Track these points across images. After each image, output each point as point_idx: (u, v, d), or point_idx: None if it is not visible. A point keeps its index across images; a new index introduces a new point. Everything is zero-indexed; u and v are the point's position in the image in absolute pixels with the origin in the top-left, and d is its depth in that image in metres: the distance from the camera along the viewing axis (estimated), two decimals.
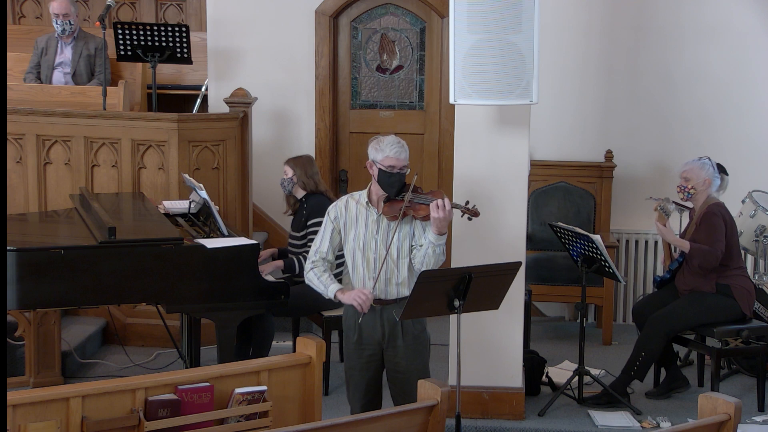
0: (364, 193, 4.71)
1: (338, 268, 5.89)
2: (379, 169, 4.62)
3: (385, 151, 4.60)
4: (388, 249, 4.60)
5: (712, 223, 5.79)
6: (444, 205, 4.47)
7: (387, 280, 4.62)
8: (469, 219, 4.61)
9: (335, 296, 4.67)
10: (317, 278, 4.72)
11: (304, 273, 4.79)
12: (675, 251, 6.12)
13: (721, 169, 6.00)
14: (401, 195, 4.62)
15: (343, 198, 4.77)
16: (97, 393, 3.96)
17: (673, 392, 6.04)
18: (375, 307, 4.63)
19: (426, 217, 4.55)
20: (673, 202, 6.21)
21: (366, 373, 4.72)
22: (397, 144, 4.62)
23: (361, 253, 4.65)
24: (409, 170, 4.66)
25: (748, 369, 6.30)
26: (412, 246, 4.64)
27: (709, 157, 5.96)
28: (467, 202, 4.60)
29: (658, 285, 6.17)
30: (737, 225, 6.44)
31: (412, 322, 4.64)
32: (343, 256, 4.81)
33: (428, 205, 4.54)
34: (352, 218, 4.68)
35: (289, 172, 6.08)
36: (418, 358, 4.69)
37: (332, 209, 4.74)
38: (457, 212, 4.64)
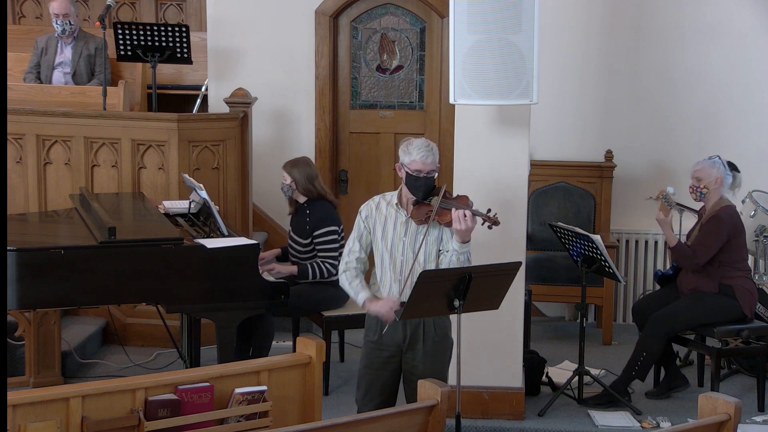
0: (395, 194, 4.69)
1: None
2: (407, 173, 4.59)
3: (412, 155, 4.57)
4: (416, 253, 4.59)
5: (713, 228, 5.76)
6: (465, 217, 4.44)
7: (413, 283, 4.59)
8: (489, 228, 4.55)
9: (364, 305, 4.66)
10: (348, 283, 4.71)
11: (339, 273, 4.76)
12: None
13: (733, 167, 5.98)
14: (429, 199, 4.60)
15: (376, 197, 4.74)
16: (97, 393, 3.96)
17: (673, 392, 6.04)
18: (400, 309, 4.60)
19: (449, 223, 4.53)
20: (678, 203, 6.21)
21: (383, 374, 4.69)
22: (424, 148, 4.59)
23: (388, 254, 4.63)
24: (437, 174, 4.64)
25: (748, 369, 6.30)
26: (439, 251, 4.62)
27: (719, 156, 5.95)
28: (488, 210, 4.53)
29: (659, 280, 6.17)
30: None
31: (434, 327, 4.62)
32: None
33: (451, 211, 4.52)
34: (383, 219, 4.66)
35: (288, 178, 6.04)
36: (436, 363, 4.65)
37: (364, 208, 4.72)
38: (478, 219, 4.60)
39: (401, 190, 4.68)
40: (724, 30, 7.28)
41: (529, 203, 6.83)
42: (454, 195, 4.67)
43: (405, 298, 4.57)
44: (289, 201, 6.17)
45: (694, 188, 5.89)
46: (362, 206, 4.74)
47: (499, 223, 4.53)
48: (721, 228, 5.76)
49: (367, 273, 4.79)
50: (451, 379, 4.76)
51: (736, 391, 6.02)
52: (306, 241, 6.01)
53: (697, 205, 6.09)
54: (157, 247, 5.15)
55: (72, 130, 6.59)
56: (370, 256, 4.77)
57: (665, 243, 7.21)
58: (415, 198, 4.61)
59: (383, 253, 4.65)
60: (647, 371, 5.89)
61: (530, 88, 5.04)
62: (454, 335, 4.64)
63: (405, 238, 4.60)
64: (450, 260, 4.54)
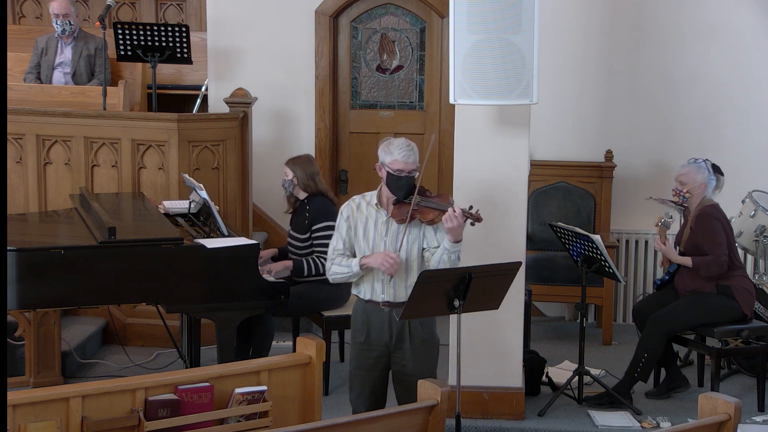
0: (375, 194, 4.71)
1: None
2: (388, 173, 4.60)
3: (394, 155, 4.59)
4: (397, 252, 4.59)
5: (710, 227, 5.77)
6: (456, 214, 4.46)
7: (396, 282, 4.60)
8: (472, 224, 4.58)
9: (361, 266, 4.59)
10: (339, 266, 4.66)
11: (327, 273, 4.75)
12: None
13: (717, 170, 5.99)
14: (409, 198, 4.61)
15: (355, 198, 4.76)
16: (97, 393, 3.96)
17: (673, 392, 6.04)
18: (384, 309, 4.62)
19: (432, 221, 4.55)
20: (671, 201, 6.21)
21: (372, 374, 4.71)
22: (406, 147, 4.60)
23: (370, 254, 4.65)
24: (418, 173, 4.65)
25: (748, 369, 6.29)
26: (423, 249, 4.64)
27: (705, 159, 5.96)
28: (470, 207, 4.57)
29: (658, 288, 6.17)
30: (737, 225, 6.46)
31: (420, 325, 4.63)
32: None
33: (434, 209, 4.54)
34: (363, 219, 4.67)
35: (290, 174, 6.08)
36: (425, 362, 4.67)
37: (345, 208, 4.73)
38: None
39: (381, 189, 4.70)
40: (724, 30, 7.28)
41: (529, 203, 6.83)
42: (434, 193, 4.68)
43: (388, 296, 4.61)
44: (288, 198, 6.18)
45: (677, 191, 5.91)
46: (342, 207, 4.76)
47: (481, 219, 4.55)
48: (712, 222, 5.78)
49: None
50: (451, 379, 4.76)
51: (736, 391, 6.02)
52: (305, 236, 6.02)
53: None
54: (157, 247, 5.15)
55: (72, 130, 6.59)
56: None
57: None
58: (395, 197, 4.62)
59: (365, 252, 4.66)
60: (649, 372, 5.89)
61: (530, 88, 5.04)
62: (453, 335, 4.65)
63: (386, 237, 4.61)
64: (441, 258, 4.55)
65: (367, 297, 4.68)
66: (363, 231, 4.66)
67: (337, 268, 4.69)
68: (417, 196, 4.57)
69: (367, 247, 4.65)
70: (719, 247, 5.76)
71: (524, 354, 5.72)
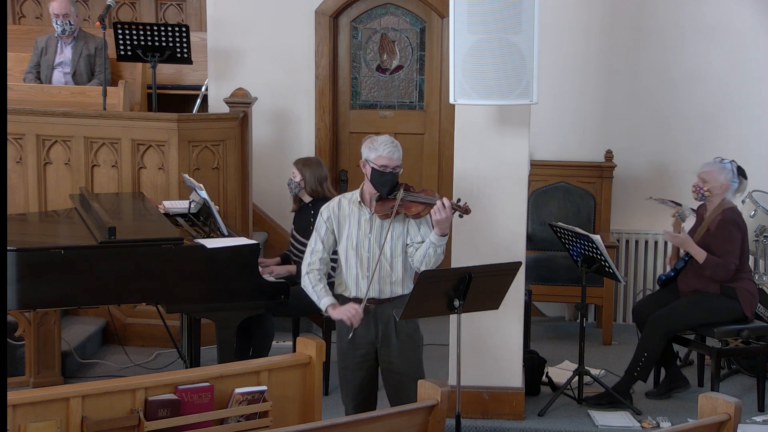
0: (357, 192, 4.73)
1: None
2: (372, 169, 4.63)
3: (379, 151, 4.62)
4: (381, 248, 4.61)
5: (728, 233, 5.74)
6: (444, 206, 4.48)
7: (381, 279, 4.63)
8: (460, 216, 4.62)
9: (326, 311, 4.69)
10: (312, 286, 4.73)
11: (301, 275, 4.80)
12: (682, 251, 6.08)
13: (741, 173, 5.95)
14: (393, 194, 4.63)
15: (336, 198, 4.79)
16: (97, 393, 3.97)
17: (673, 392, 6.04)
18: (369, 306, 4.63)
19: (418, 215, 4.58)
20: (671, 201, 6.21)
21: (360, 373, 4.73)
22: (390, 144, 4.63)
23: (354, 252, 4.66)
24: (401, 170, 4.67)
25: (748, 369, 6.29)
26: (407, 245, 4.65)
27: (732, 160, 5.92)
28: (458, 200, 4.61)
29: (662, 284, 6.16)
30: None
31: (405, 320, 4.64)
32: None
33: (420, 203, 4.56)
34: (345, 217, 4.69)
35: (297, 176, 6.03)
36: (412, 357, 4.70)
37: (325, 210, 4.75)
38: None
39: (363, 187, 4.72)
40: (724, 30, 7.27)
41: (529, 203, 6.82)
42: (419, 190, 4.71)
43: (372, 292, 4.63)
44: (294, 198, 6.17)
45: (698, 188, 5.87)
46: (323, 208, 4.79)
47: (469, 211, 4.59)
48: (732, 228, 5.75)
49: None
50: (451, 379, 4.76)
51: (736, 391, 6.02)
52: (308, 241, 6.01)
53: (695, 203, 6.08)
54: (157, 247, 5.15)
55: (72, 130, 6.59)
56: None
57: (665, 243, 7.24)
58: (378, 194, 4.64)
59: (348, 251, 4.68)
60: (649, 372, 5.89)
61: (530, 88, 5.04)
62: (453, 335, 4.66)
63: (370, 234, 4.64)
64: (426, 252, 4.57)
65: (352, 295, 4.69)
66: (347, 230, 4.69)
67: (308, 284, 4.74)
68: (402, 192, 4.59)
69: (350, 246, 4.67)
70: (730, 255, 5.74)
71: (524, 354, 5.72)
